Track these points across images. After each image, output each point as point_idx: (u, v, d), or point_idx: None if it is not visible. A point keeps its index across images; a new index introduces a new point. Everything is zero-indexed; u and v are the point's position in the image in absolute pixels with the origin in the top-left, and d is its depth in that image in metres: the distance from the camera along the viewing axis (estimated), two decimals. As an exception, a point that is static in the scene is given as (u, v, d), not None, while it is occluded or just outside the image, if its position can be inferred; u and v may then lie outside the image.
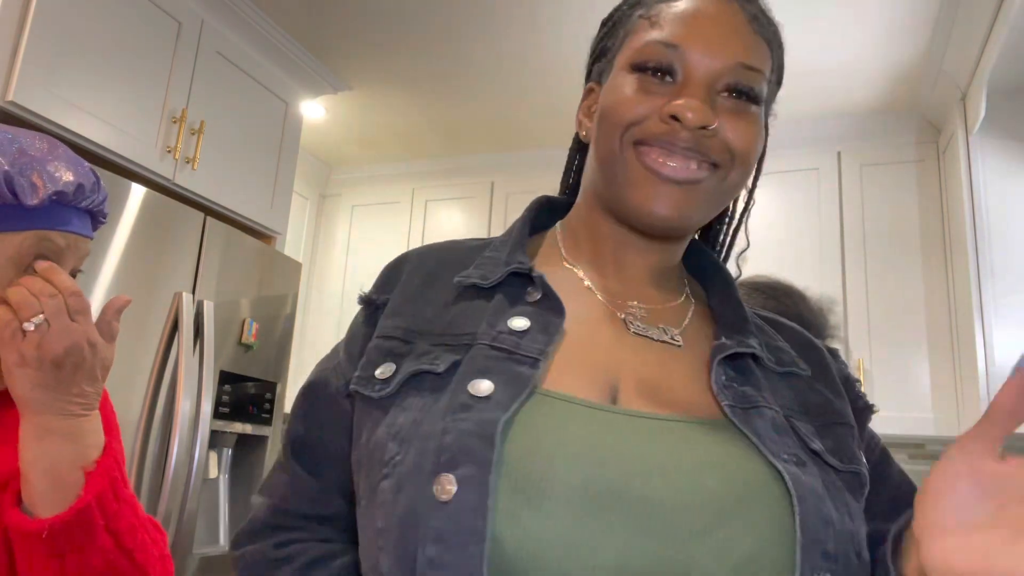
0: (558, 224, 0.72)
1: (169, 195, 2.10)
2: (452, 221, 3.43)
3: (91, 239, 0.83)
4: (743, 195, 0.69)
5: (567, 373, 0.56)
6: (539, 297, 0.60)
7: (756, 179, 0.69)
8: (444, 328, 0.60)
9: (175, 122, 2.14)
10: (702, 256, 0.73)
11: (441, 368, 0.55)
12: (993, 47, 2.09)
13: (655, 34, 0.60)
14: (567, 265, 0.67)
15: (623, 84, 0.60)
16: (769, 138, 0.66)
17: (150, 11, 2.09)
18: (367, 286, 0.69)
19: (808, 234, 2.84)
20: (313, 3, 2.39)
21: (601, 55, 0.67)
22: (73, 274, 0.81)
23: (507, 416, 0.50)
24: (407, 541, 0.48)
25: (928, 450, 2.78)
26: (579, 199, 0.70)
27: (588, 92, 0.69)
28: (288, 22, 2.50)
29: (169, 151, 2.12)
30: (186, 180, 2.19)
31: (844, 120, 2.86)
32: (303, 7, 2.42)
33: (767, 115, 0.65)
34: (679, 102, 0.57)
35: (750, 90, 0.59)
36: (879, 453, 0.69)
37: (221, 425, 2.12)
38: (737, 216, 0.73)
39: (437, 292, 0.64)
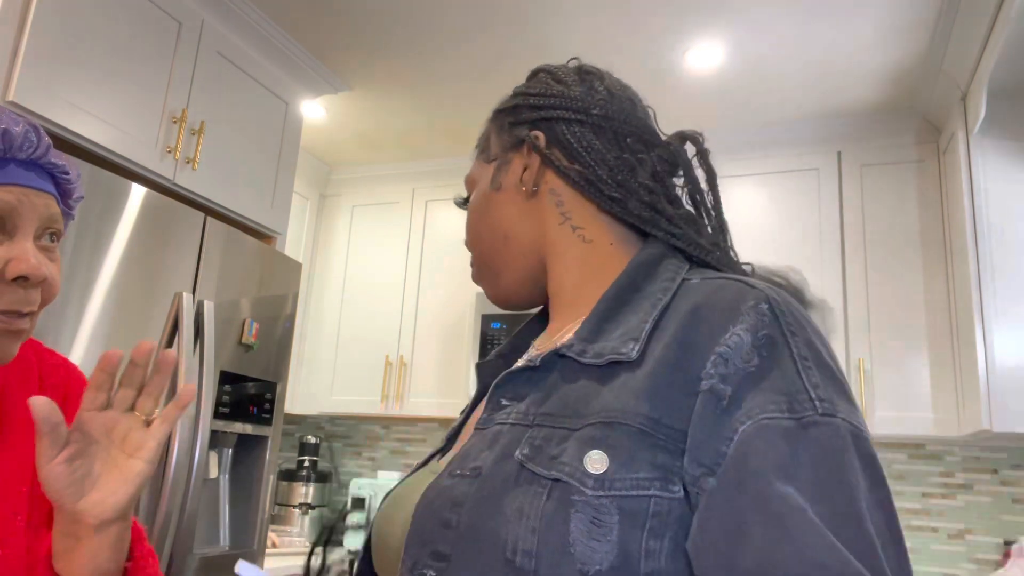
0: None
1: (169, 195, 2.10)
2: (452, 221, 3.43)
3: (52, 196, 0.75)
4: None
5: (460, 446, 0.66)
6: None
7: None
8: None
9: (175, 122, 2.14)
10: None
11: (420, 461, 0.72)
12: (993, 47, 2.09)
13: None
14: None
15: None
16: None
17: (150, 11, 2.09)
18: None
19: (808, 234, 2.84)
20: (313, 3, 2.39)
21: None
22: (48, 236, 0.75)
23: (387, 492, 0.66)
24: None
25: (928, 450, 2.78)
26: None
27: None
28: (288, 22, 2.50)
29: (169, 151, 2.12)
30: (186, 180, 2.19)
31: (844, 120, 2.86)
32: (303, 7, 2.42)
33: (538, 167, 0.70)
34: None
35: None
36: (725, 468, 0.49)
37: (221, 425, 2.12)
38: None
39: None
